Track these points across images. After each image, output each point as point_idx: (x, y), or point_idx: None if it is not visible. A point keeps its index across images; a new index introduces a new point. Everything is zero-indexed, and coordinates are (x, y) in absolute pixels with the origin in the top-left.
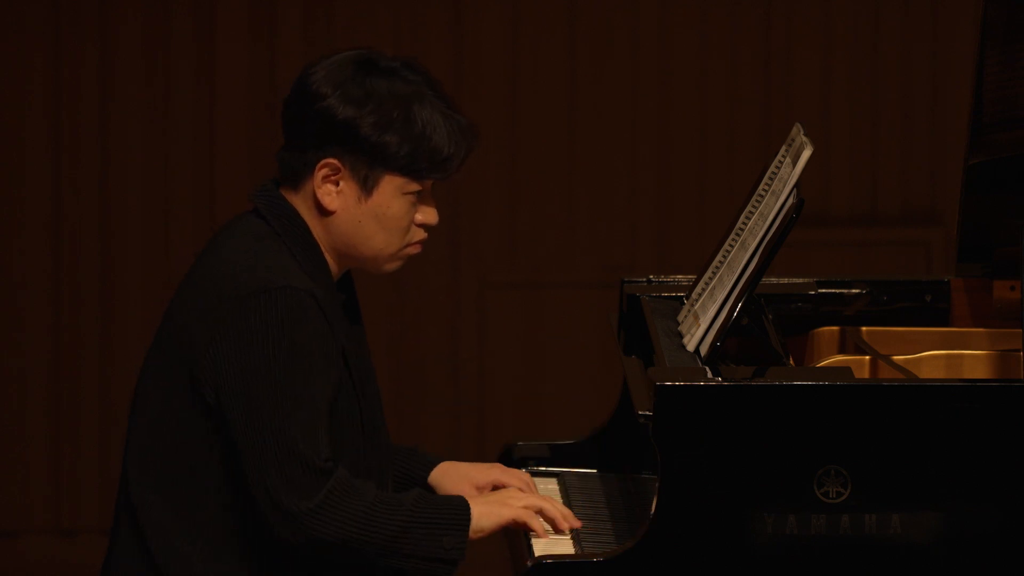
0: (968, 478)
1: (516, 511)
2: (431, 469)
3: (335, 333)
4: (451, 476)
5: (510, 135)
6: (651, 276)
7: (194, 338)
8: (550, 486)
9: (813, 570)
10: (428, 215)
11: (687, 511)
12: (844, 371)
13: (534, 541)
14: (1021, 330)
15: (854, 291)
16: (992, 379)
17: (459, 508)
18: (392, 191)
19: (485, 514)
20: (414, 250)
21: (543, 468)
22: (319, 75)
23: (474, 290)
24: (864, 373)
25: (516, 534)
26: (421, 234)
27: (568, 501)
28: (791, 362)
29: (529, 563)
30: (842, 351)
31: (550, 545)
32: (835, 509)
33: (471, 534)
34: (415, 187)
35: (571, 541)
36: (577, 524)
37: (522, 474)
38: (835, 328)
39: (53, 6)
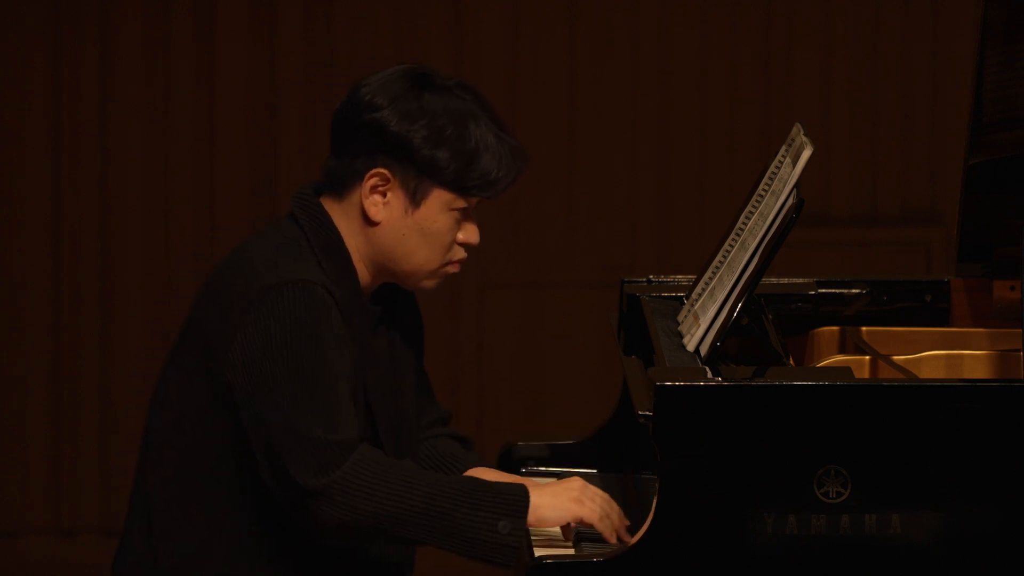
0: (968, 478)
1: (590, 512)
2: (467, 468)
3: (350, 332)
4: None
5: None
6: (651, 276)
7: (212, 333)
8: None
9: (813, 570)
10: (470, 234)
11: (687, 511)
12: (844, 371)
13: (534, 541)
14: (1021, 330)
15: (854, 291)
16: (992, 379)
17: (518, 494)
18: (439, 206)
19: (553, 506)
20: (453, 269)
21: (543, 468)
22: (373, 87)
23: (474, 290)
24: (864, 373)
25: None
26: (461, 253)
27: None
28: (791, 362)
29: (529, 563)
30: (842, 351)
31: (550, 545)
32: (835, 509)
33: (533, 523)
34: (461, 204)
35: (571, 541)
36: (627, 539)
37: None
38: (835, 328)
39: (53, 6)
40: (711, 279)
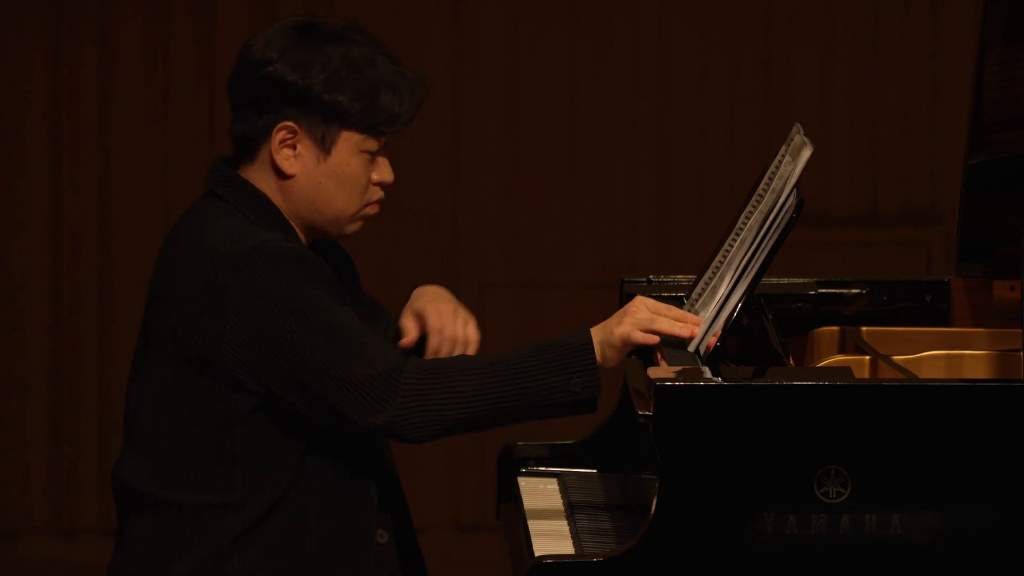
0: (968, 478)
1: (627, 327)
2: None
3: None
4: (427, 291)
5: (510, 135)
6: (651, 276)
7: (197, 329)
8: (550, 486)
9: (813, 570)
10: (384, 173)
11: (687, 511)
12: (844, 371)
13: (534, 541)
14: (1021, 330)
15: (854, 291)
16: (992, 379)
17: (581, 346)
18: (350, 148)
19: (606, 342)
20: (372, 210)
21: (543, 468)
22: (260, 43)
23: (474, 290)
24: (864, 373)
25: (516, 534)
26: (379, 193)
27: (568, 501)
28: (791, 362)
29: (529, 563)
30: (842, 351)
31: (550, 545)
32: (835, 509)
33: (605, 363)
34: (371, 144)
35: (571, 541)
36: (695, 321)
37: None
38: (835, 328)
39: (53, 6)
40: (711, 279)
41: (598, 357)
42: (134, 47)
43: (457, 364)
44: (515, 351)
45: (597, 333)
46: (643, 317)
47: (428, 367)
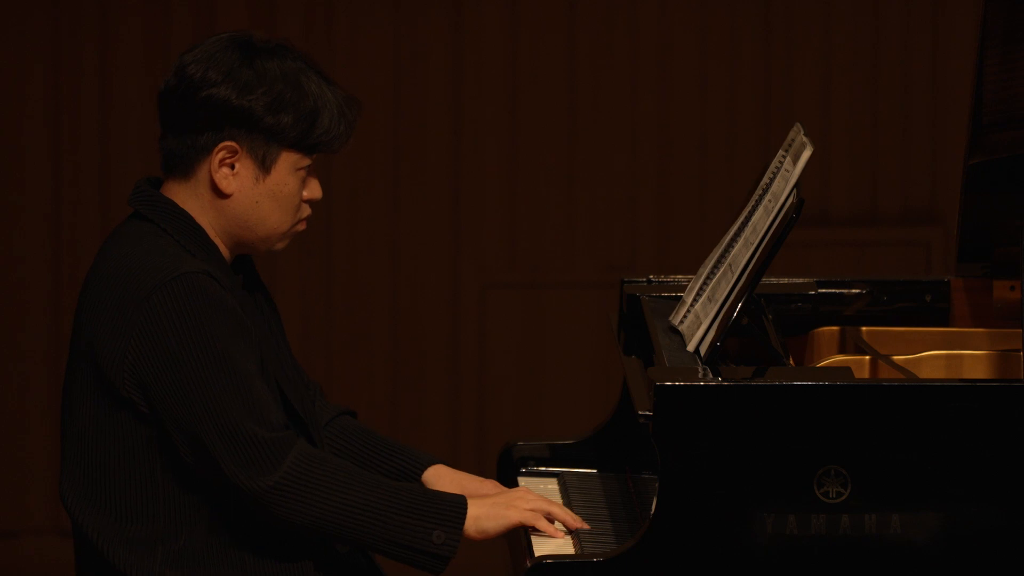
0: (968, 478)
1: (523, 513)
2: (425, 468)
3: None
4: (444, 481)
5: (510, 135)
6: (651, 276)
7: (107, 352)
8: (550, 486)
9: (813, 570)
10: (314, 190)
11: (687, 511)
12: (844, 371)
13: (534, 541)
14: (1021, 330)
15: (854, 291)
16: (992, 379)
17: (455, 504)
18: (288, 168)
19: (490, 516)
20: (302, 227)
21: (543, 468)
22: (201, 62)
23: (474, 290)
24: (864, 373)
25: (516, 534)
26: (307, 210)
27: (568, 501)
28: (791, 362)
29: (529, 563)
30: (842, 351)
31: (550, 545)
32: (835, 509)
33: (474, 535)
34: (306, 162)
35: (571, 541)
36: (585, 526)
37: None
38: (835, 328)
39: (53, 6)
40: (711, 279)
41: (472, 527)
42: (134, 47)
43: (343, 469)
44: (398, 483)
45: (479, 506)
46: (533, 506)
47: (318, 457)
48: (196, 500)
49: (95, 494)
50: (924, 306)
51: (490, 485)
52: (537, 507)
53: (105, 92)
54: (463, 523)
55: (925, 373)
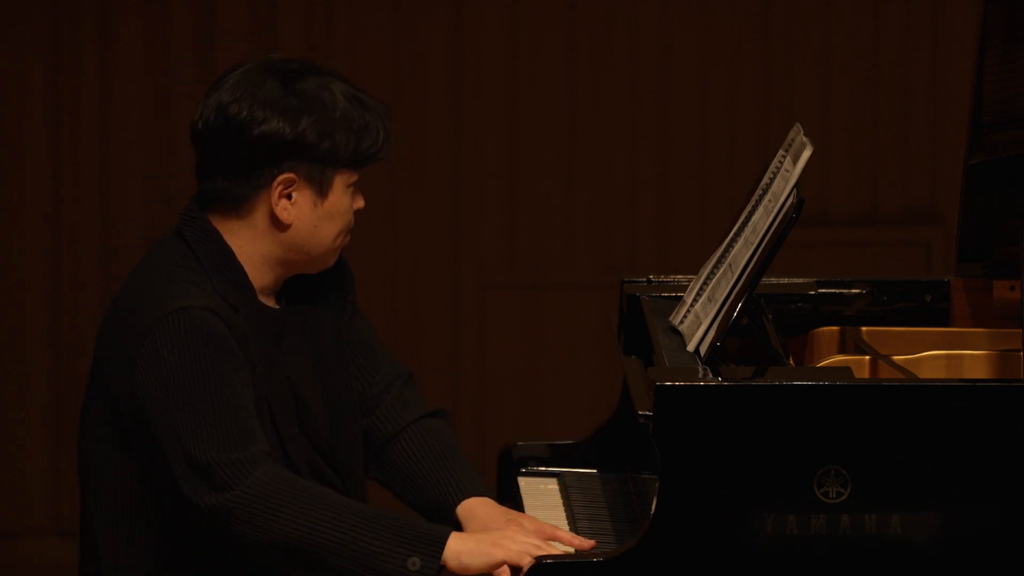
0: (968, 478)
1: (508, 553)
2: (464, 498)
3: (247, 347)
4: (478, 515)
5: (510, 135)
6: (651, 276)
7: (115, 372)
8: (550, 486)
9: (813, 570)
10: (360, 201)
11: (687, 511)
12: (844, 371)
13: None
14: (1021, 330)
15: (854, 291)
16: (992, 379)
17: (436, 535)
18: (342, 187)
19: (474, 552)
20: (347, 239)
21: (543, 468)
22: (241, 100)
23: (474, 291)
24: (864, 373)
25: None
26: (352, 220)
27: (568, 501)
28: (791, 362)
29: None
30: (842, 351)
31: (550, 545)
32: (835, 509)
33: (456, 569)
34: (355, 178)
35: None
36: (592, 544)
37: (542, 528)
38: (835, 328)
39: (53, 6)
40: (710, 279)
41: (454, 561)
42: (134, 47)
43: (313, 490)
44: (375, 509)
45: (464, 541)
46: (520, 548)
47: (286, 478)
48: (184, 542)
49: (92, 508)
50: (924, 306)
51: (526, 519)
52: (525, 549)
53: (105, 92)
54: (441, 553)
55: (925, 373)
